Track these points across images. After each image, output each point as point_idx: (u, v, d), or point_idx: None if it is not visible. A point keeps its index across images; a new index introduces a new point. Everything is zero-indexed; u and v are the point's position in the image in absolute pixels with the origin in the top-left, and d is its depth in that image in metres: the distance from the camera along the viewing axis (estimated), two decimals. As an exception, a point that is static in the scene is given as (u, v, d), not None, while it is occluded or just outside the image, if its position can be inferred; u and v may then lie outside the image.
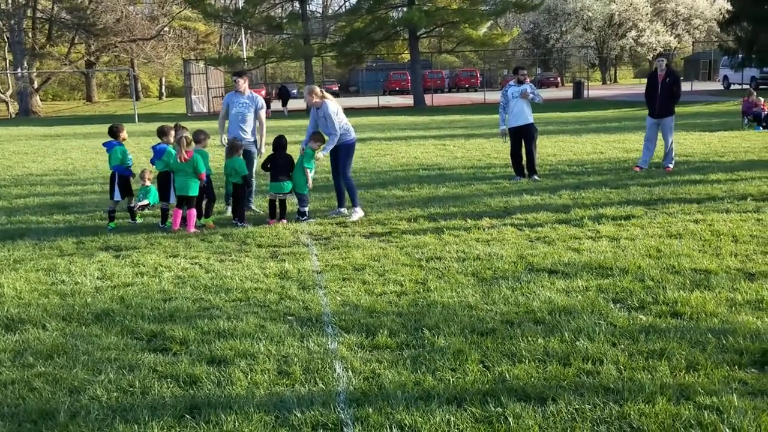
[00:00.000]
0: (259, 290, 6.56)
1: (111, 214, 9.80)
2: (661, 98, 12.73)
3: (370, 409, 4.14)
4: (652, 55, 72.77)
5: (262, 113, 10.52)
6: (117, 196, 9.83)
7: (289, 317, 5.80)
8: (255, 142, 10.47)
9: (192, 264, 7.63)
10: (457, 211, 9.97)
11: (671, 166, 12.87)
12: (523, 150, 12.74)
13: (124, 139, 10.08)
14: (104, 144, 10.01)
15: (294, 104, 43.48)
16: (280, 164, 9.63)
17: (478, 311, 5.76)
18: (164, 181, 9.65)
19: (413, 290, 6.41)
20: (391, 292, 6.36)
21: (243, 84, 10.35)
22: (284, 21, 43.80)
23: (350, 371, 4.69)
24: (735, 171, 12.31)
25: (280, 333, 5.41)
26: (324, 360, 4.89)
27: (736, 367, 4.51)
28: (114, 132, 10.07)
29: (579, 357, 4.74)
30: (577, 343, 4.98)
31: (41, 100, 56.45)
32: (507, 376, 4.51)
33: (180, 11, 62.53)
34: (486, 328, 5.37)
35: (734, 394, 4.11)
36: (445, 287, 6.45)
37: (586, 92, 46.54)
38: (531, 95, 12.55)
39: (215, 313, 5.96)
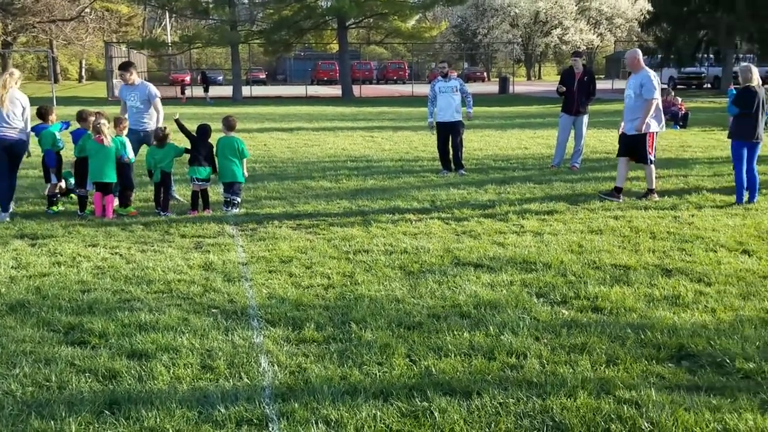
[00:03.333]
0: (182, 282, 6.42)
1: (51, 198, 9.50)
2: (578, 96, 12.87)
3: (296, 404, 4.10)
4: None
5: (158, 102, 10.24)
6: (53, 179, 9.53)
7: (214, 310, 5.70)
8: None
9: (112, 254, 7.42)
10: (384, 204, 9.98)
11: (578, 165, 13.08)
12: (450, 144, 12.86)
13: (53, 122, 9.74)
14: (33, 128, 9.60)
15: (217, 91, 42.78)
16: (201, 152, 9.46)
17: (405, 305, 5.78)
18: (81, 167, 9.35)
19: (340, 283, 6.38)
20: (318, 285, 6.32)
21: (130, 77, 10.12)
22: (211, 6, 42.91)
23: (276, 365, 4.64)
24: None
25: (203, 326, 5.31)
26: (249, 354, 4.82)
27: (654, 361, 4.64)
28: (42, 114, 9.74)
29: (503, 351, 4.80)
30: (502, 337, 5.04)
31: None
32: (433, 370, 4.54)
33: (102, -8, 60.75)
34: (413, 321, 5.39)
35: (652, 389, 4.23)
36: (373, 280, 6.44)
37: (511, 88, 47.32)
38: (466, 99, 12.70)
39: (136, 305, 5.80)
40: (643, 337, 5.02)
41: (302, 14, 41.81)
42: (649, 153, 9.95)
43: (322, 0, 45.84)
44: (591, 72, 13.46)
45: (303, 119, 25.56)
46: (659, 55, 43.26)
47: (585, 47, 73.17)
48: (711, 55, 44.76)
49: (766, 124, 10.49)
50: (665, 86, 41.17)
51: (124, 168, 9.36)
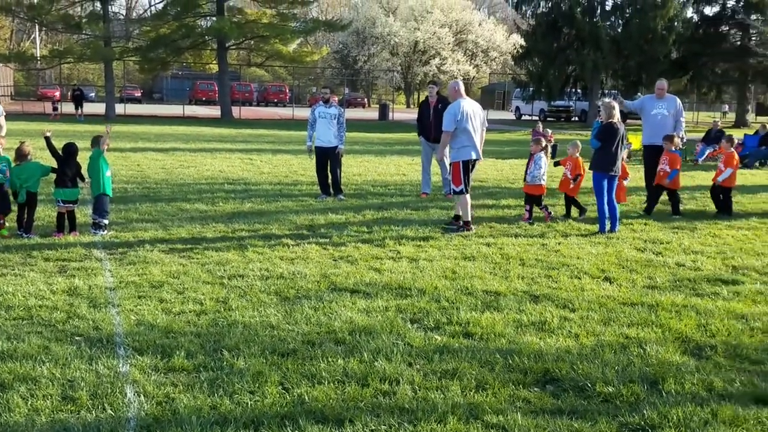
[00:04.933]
0: (44, 308, 6.10)
1: None
2: (435, 125, 12.65)
3: (163, 436, 3.96)
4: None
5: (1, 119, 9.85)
6: None
7: (77, 338, 5.44)
8: None
9: (-33, 278, 6.97)
10: (261, 228, 9.87)
11: (451, 193, 13.31)
12: (329, 169, 12.89)
13: None
14: None
15: (89, 108, 41.22)
16: (68, 172, 9.09)
17: (279, 331, 5.71)
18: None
19: (213, 309, 6.24)
20: (190, 311, 6.16)
21: None
22: (83, 21, 41.42)
23: (142, 396, 4.47)
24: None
25: (66, 355, 5.06)
26: (114, 384, 4.62)
27: (521, 386, 4.79)
28: None
29: (377, 377, 4.82)
30: (376, 363, 5.07)
31: None
32: (306, 398, 4.50)
33: (-35, 0, 57.42)
34: (287, 348, 5.33)
35: (518, 413, 4.35)
36: (247, 306, 6.34)
37: (391, 114, 48.04)
38: (340, 133, 12.74)
39: (-8, 333, 5.46)
40: (511, 362, 5.16)
41: (181, 33, 41.00)
42: (455, 184, 9.94)
43: (202, 20, 45.18)
44: (445, 100, 13.80)
45: (179, 140, 24.97)
46: (531, 88, 45.15)
47: (462, 77, 75.39)
48: (579, 90, 47.17)
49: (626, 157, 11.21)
50: (536, 117, 43.10)
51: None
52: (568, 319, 6.23)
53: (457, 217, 10.22)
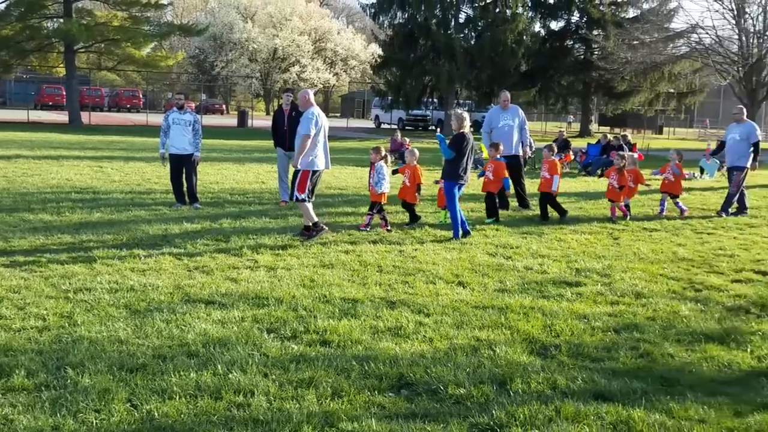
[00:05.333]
0: None
1: None
2: (290, 133, 12.61)
3: (-2, 463, 3.71)
4: (313, 91, 76.55)
5: None
6: None
7: None
8: None
9: None
10: (111, 239, 9.48)
11: None
12: (184, 177, 12.58)
13: None
14: None
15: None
16: None
17: (128, 346, 5.50)
18: None
19: (57, 325, 5.93)
20: (31, 328, 5.82)
21: None
22: None
23: (-24, 420, 4.18)
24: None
25: None
26: (-57, 409, 4.29)
27: (376, 392, 4.83)
28: None
29: (231, 390, 4.73)
30: (230, 375, 4.97)
31: None
32: (156, 414, 4.35)
33: None
34: (136, 363, 5.13)
35: (373, 419, 4.39)
36: (94, 321, 6.06)
37: (250, 121, 47.50)
38: (196, 140, 12.45)
39: None
40: (367, 368, 5.21)
41: (25, 35, 38.80)
42: (300, 191, 9.90)
43: (48, 21, 42.95)
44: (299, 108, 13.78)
45: (23, 146, 23.57)
46: (389, 97, 45.94)
47: (322, 85, 75.71)
48: (435, 100, 48.46)
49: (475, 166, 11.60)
50: (395, 126, 43.88)
51: None
52: (423, 323, 6.36)
53: (307, 227, 10.16)
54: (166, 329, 5.92)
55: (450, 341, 5.91)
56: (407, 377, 5.08)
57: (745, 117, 13.78)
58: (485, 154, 18.59)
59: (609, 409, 4.64)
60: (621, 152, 16.21)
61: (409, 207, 11.60)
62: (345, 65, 78.37)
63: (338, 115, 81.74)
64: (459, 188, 10.47)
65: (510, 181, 12.18)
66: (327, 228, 10.05)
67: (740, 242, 10.69)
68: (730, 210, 13.49)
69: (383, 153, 11.34)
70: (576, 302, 7.18)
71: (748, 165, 13.45)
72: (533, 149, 15.76)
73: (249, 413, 4.43)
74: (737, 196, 13.52)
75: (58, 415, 4.30)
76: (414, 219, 11.52)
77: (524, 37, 44.27)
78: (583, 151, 24.06)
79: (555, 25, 48.49)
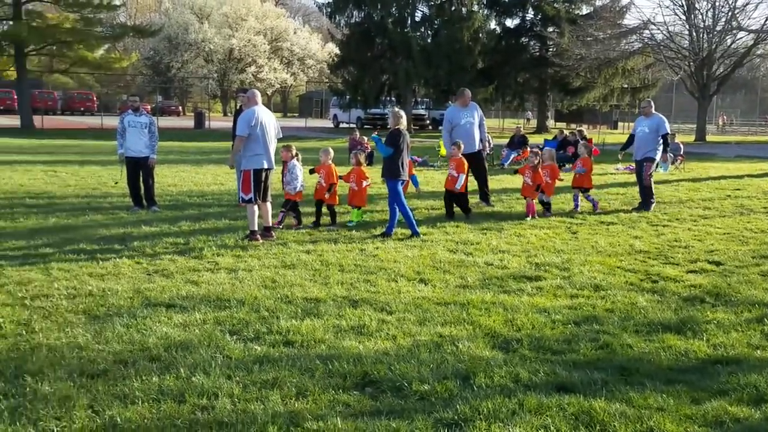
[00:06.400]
0: None
1: None
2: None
3: (-44, 475, 3.64)
4: (270, 91, 76.13)
5: None
6: None
7: None
8: None
9: None
10: (68, 244, 9.33)
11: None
12: (141, 179, 12.44)
13: None
14: None
15: None
16: None
17: (88, 352, 5.42)
18: None
19: (14, 333, 5.82)
20: (-13, 337, 5.71)
21: None
22: None
23: (-68, 432, 4.09)
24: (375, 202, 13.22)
25: None
26: None
27: (341, 390, 4.84)
28: None
29: (194, 393, 4.70)
30: (193, 378, 4.93)
31: None
32: (118, 419, 4.30)
33: None
34: (97, 369, 5.07)
35: (338, 417, 4.40)
36: (53, 328, 5.97)
37: (207, 123, 47.06)
38: (152, 142, 12.31)
39: None
40: (331, 367, 5.21)
41: (-28, 37, 38.02)
42: (244, 192, 9.87)
43: (-3, 23, 42.14)
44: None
45: (-26, 152, 23.09)
46: (347, 96, 45.91)
47: (279, 85, 75.37)
48: (393, 98, 48.52)
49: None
50: (354, 125, 43.87)
51: None
52: (386, 321, 6.38)
53: (267, 228, 10.09)
54: (126, 334, 5.85)
55: (413, 338, 5.94)
56: (371, 375, 5.10)
57: (653, 110, 13.60)
58: (442, 152, 18.72)
59: (571, 400, 4.71)
60: (541, 148, 15.88)
61: (330, 207, 11.49)
62: (302, 65, 78.13)
63: (296, 115, 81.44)
64: (401, 184, 10.47)
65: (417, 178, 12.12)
66: (261, 240, 9.83)
67: (694, 233, 10.91)
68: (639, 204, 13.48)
69: (294, 151, 11.32)
70: (536, 296, 7.26)
71: (658, 158, 13.53)
72: (492, 146, 15.87)
73: (213, 416, 4.40)
74: (648, 189, 13.52)
75: (18, 424, 4.23)
76: (333, 220, 11.41)
77: (480, 34, 44.60)
78: (540, 147, 24.31)
79: (510, 23, 49.01)
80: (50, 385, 4.76)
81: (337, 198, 11.52)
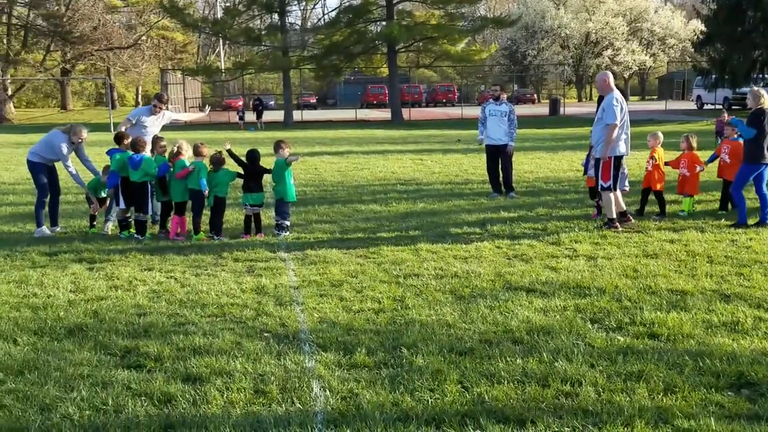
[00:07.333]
0: (235, 306, 6.49)
1: (122, 222, 9.82)
2: None
3: (348, 430, 4.09)
4: (627, 74, 73.54)
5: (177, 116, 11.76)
6: (122, 203, 9.69)
7: (266, 334, 5.74)
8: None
9: (167, 278, 7.54)
10: (434, 227, 9.96)
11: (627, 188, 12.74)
12: (500, 167, 12.82)
13: (128, 147, 9.85)
14: (108, 152, 10.04)
15: (268, 116, 43.36)
16: (253, 176, 9.62)
17: (456, 330, 5.74)
18: (140, 191, 9.52)
19: (391, 308, 6.37)
20: (369, 310, 6.32)
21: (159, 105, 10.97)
22: (263, 33, 43.75)
23: (328, 391, 4.64)
24: (708, 191, 12.27)
25: (256, 350, 5.34)
26: (301, 379, 4.83)
27: (713, 390, 4.52)
28: (119, 138, 10.03)
29: (558, 378, 4.72)
30: (556, 364, 4.96)
31: (15, 107, 55.86)
32: (486, 397, 4.48)
33: (158, 21, 62.19)
34: (464, 347, 5.34)
35: (712, 418, 4.11)
36: (423, 305, 6.42)
37: (562, 109, 46.99)
38: (511, 130, 12.66)
39: (191, 329, 5.88)
40: (701, 364, 4.89)
41: (352, 39, 42.34)
42: (603, 179, 9.53)
43: (372, 25, 46.32)
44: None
45: (353, 143, 25.74)
46: (713, 76, 42.53)
47: (637, 68, 72.43)
48: (766, 75, 43.80)
49: None
50: (720, 107, 40.58)
51: (199, 194, 9.50)
52: (763, 319, 5.81)
53: (623, 213, 9.77)
54: (490, 315, 6.08)
55: (798, 340, 5.33)
56: (748, 376, 4.69)
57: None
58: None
59: None
60: None
61: (657, 195, 10.60)
62: (662, 45, 74.04)
63: (655, 97, 77.63)
64: (765, 169, 9.41)
65: None
66: (619, 227, 9.48)
67: None
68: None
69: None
70: None
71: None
72: None
73: (578, 403, 4.38)
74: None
75: (397, 392, 4.61)
76: (662, 210, 10.48)
77: None
78: None
79: None
80: (424, 359, 5.13)
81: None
